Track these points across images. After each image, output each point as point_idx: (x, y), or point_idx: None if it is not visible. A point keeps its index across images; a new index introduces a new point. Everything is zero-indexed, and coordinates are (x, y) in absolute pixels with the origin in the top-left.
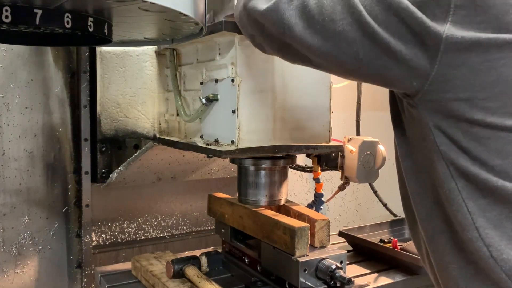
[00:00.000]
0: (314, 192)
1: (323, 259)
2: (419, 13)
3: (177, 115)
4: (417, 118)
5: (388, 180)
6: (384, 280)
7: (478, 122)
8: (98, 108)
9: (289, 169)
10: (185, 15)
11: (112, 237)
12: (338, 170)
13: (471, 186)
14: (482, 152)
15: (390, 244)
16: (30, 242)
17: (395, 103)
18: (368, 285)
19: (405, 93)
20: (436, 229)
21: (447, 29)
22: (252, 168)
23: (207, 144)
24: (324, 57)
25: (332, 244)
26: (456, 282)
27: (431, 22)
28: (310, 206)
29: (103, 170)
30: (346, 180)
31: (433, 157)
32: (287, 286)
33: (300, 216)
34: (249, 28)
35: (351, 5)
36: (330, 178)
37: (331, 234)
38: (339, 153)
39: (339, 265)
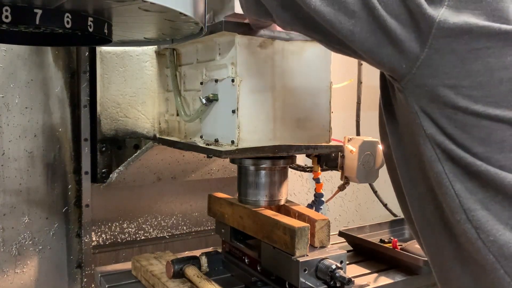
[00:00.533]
0: (314, 192)
1: (323, 259)
2: None
3: (177, 115)
4: (404, 103)
5: (388, 180)
6: (384, 280)
7: (462, 109)
8: (98, 108)
9: (289, 169)
10: (185, 15)
11: (112, 237)
12: (338, 170)
13: (457, 169)
14: (466, 139)
15: (390, 244)
16: (30, 242)
17: (386, 89)
18: (368, 285)
19: (392, 77)
20: (429, 216)
21: (441, 14)
22: (252, 168)
23: (207, 144)
24: (321, 21)
25: (332, 244)
26: (449, 268)
27: (427, 6)
28: (310, 206)
29: (103, 170)
30: (346, 180)
31: (420, 141)
32: (287, 286)
33: (300, 216)
34: None
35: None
36: (330, 178)
37: (331, 234)
38: (339, 153)
39: (339, 265)
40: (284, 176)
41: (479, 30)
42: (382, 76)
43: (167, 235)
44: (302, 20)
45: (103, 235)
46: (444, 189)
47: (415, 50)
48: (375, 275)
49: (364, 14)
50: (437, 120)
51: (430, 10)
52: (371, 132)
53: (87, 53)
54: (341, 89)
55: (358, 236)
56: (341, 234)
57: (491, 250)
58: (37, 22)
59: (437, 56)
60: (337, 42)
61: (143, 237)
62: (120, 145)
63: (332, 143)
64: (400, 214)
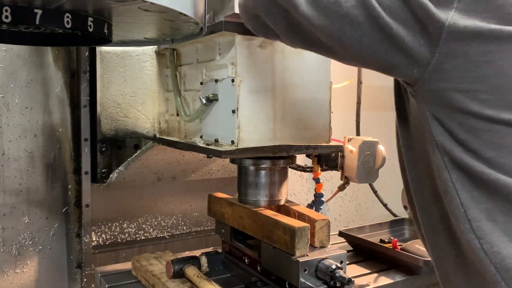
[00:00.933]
0: (314, 192)
1: (323, 259)
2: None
3: (177, 115)
4: (417, 108)
5: (388, 180)
6: (384, 280)
7: (475, 114)
8: (98, 108)
9: (289, 169)
10: (185, 15)
11: (112, 237)
12: (338, 170)
13: (465, 178)
14: (477, 144)
15: (390, 244)
16: (30, 242)
17: (400, 91)
18: (368, 285)
19: (406, 82)
20: (434, 222)
21: (451, 17)
22: (252, 168)
23: (207, 144)
24: (327, 38)
25: (332, 244)
26: (452, 275)
27: (435, 9)
28: (310, 206)
29: (103, 170)
30: (346, 180)
31: (429, 148)
32: (287, 286)
33: (300, 216)
34: (255, 8)
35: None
36: (330, 178)
37: (331, 234)
38: (339, 153)
39: (339, 265)
40: (284, 176)
41: (490, 33)
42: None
43: (167, 235)
44: (310, 41)
45: (103, 235)
46: (450, 197)
47: (425, 55)
48: (375, 275)
49: (368, 23)
50: (448, 125)
51: (438, 14)
52: (371, 132)
53: (87, 53)
54: (341, 89)
55: (358, 236)
56: (341, 234)
57: (493, 262)
58: (37, 22)
59: (448, 60)
60: (350, 57)
61: (143, 237)
62: (120, 145)
63: (332, 143)
64: (400, 214)
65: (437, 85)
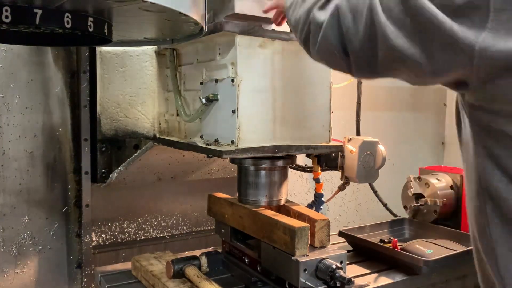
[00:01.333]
0: (314, 192)
1: (323, 259)
2: (448, 23)
3: (177, 115)
4: (467, 123)
5: (388, 180)
6: (384, 280)
7: None
8: (98, 108)
9: (289, 169)
10: (185, 15)
11: (112, 237)
12: (338, 170)
13: (499, 210)
14: None
15: (390, 244)
16: (30, 242)
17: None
18: (368, 285)
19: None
20: (473, 232)
21: (482, 40)
22: (252, 168)
23: (207, 144)
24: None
25: (332, 244)
26: None
27: (463, 33)
28: (310, 206)
29: (103, 170)
30: (346, 180)
31: (472, 167)
32: (287, 286)
33: (300, 216)
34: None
35: (373, 21)
36: (330, 178)
37: (331, 234)
38: (339, 153)
39: (339, 265)
40: (284, 176)
41: None
42: None
43: (167, 235)
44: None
45: (103, 235)
46: (482, 227)
47: (466, 82)
48: (375, 275)
49: (394, 59)
50: (489, 147)
51: (465, 39)
52: (371, 132)
53: (87, 53)
54: (341, 89)
55: (358, 236)
56: (341, 234)
57: None
58: (37, 22)
59: (487, 85)
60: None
61: (143, 237)
62: (120, 145)
63: (332, 143)
64: (400, 214)
65: (478, 104)
